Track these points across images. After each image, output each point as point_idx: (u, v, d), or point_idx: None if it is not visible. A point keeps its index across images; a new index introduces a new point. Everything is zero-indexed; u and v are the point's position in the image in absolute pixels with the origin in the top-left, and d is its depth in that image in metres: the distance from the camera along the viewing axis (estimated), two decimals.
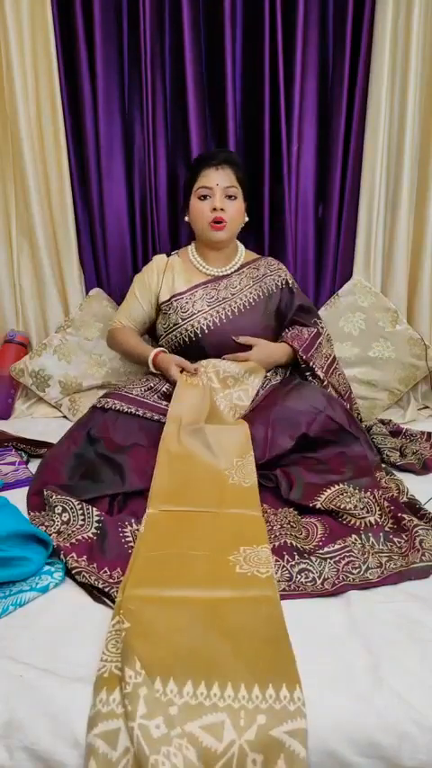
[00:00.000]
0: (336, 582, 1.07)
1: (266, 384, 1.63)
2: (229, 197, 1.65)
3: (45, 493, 1.30)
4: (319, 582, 1.07)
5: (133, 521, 1.23)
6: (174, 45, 1.86)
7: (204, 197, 1.64)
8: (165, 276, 1.72)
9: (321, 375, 1.65)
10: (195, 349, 1.65)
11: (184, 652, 0.87)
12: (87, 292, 2.05)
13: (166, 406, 1.49)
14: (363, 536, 1.20)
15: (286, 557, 1.13)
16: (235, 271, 1.74)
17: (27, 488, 1.40)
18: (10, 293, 2.07)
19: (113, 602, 1.00)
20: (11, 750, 0.77)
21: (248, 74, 1.89)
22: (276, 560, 1.12)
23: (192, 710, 0.78)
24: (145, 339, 1.88)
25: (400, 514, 1.25)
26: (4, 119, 1.89)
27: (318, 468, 1.40)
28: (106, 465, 1.38)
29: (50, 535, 1.17)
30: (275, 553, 1.14)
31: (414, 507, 1.31)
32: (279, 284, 1.76)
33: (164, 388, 1.59)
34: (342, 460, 1.43)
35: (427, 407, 2.10)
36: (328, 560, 1.13)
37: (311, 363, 1.65)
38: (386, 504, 1.30)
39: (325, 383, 1.65)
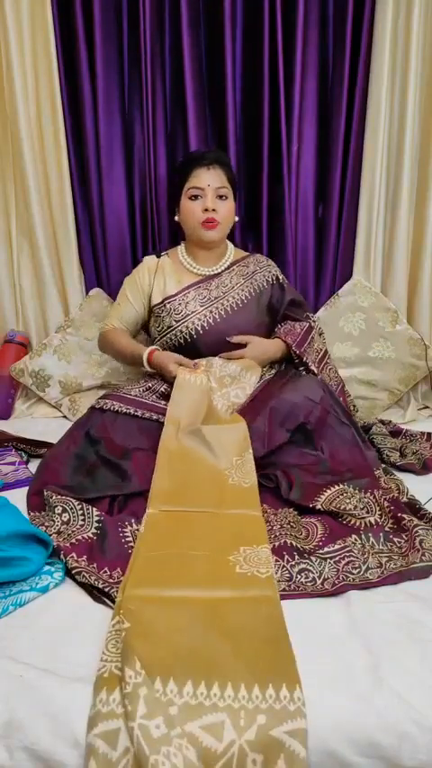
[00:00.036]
0: (336, 582, 1.07)
1: (262, 378, 1.64)
2: (221, 197, 1.65)
3: (45, 493, 1.30)
4: (319, 582, 1.07)
5: (133, 521, 1.23)
6: (173, 45, 1.86)
7: (195, 197, 1.64)
8: (156, 277, 1.72)
9: (315, 370, 1.65)
10: (191, 350, 1.65)
11: (184, 652, 0.87)
12: (87, 292, 2.05)
13: (165, 405, 1.49)
14: (363, 536, 1.20)
15: (286, 557, 1.13)
16: (225, 269, 1.74)
17: (27, 488, 1.40)
18: (10, 293, 2.07)
19: (113, 602, 1.00)
20: (11, 750, 0.77)
21: (248, 74, 1.89)
22: (276, 560, 1.12)
23: (192, 710, 0.78)
24: (141, 339, 1.88)
25: (400, 514, 1.25)
26: (4, 119, 1.89)
27: (317, 469, 1.40)
28: (107, 467, 1.39)
29: (50, 535, 1.17)
30: (275, 553, 1.14)
31: (414, 507, 1.31)
32: (269, 280, 1.76)
33: (162, 389, 1.59)
34: (341, 460, 1.43)
35: (427, 407, 2.09)
36: (328, 560, 1.13)
37: (305, 358, 1.65)
38: (386, 504, 1.30)
39: (318, 378, 1.65)
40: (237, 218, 1.75)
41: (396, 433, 1.79)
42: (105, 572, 1.09)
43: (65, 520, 1.22)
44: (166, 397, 1.54)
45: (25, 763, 0.77)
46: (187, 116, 1.86)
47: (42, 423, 1.95)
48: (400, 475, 1.48)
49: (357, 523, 1.24)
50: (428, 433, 1.76)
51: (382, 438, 1.69)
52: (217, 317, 1.67)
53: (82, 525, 1.20)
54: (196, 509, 1.26)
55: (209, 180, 1.63)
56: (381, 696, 0.82)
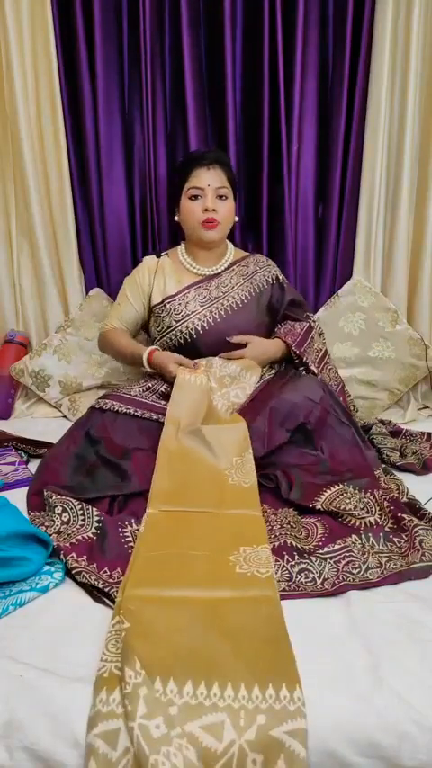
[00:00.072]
0: (336, 582, 1.07)
1: (262, 378, 1.64)
2: (221, 197, 1.65)
3: (45, 493, 1.30)
4: (319, 582, 1.07)
5: (133, 521, 1.23)
6: (173, 45, 1.86)
7: (195, 197, 1.64)
8: (156, 278, 1.72)
9: (315, 370, 1.65)
10: (191, 350, 1.65)
11: (184, 652, 0.87)
12: (87, 292, 2.05)
13: (165, 405, 1.49)
14: (363, 536, 1.20)
15: (286, 557, 1.13)
16: (225, 269, 1.74)
17: (27, 488, 1.40)
18: (10, 293, 2.07)
19: (113, 602, 1.00)
20: (11, 750, 0.77)
21: (248, 74, 1.89)
22: (276, 560, 1.12)
23: (192, 710, 0.78)
24: (141, 339, 1.88)
25: (400, 514, 1.25)
26: (4, 119, 1.89)
27: (317, 469, 1.40)
28: (107, 467, 1.39)
29: (50, 535, 1.17)
30: (275, 553, 1.14)
31: (414, 507, 1.31)
32: (269, 280, 1.76)
33: (162, 389, 1.59)
34: (340, 460, 1.43)
35: (427, 407, 2.09)
36: (328, 560, 1.13)
37: (305, 358, 1.65)
38: (386, 504, 1.30)
39: (318, 378, 1.65)
40: (237, 218, 1.75)
41: (396, 433, 1.79)
42: (105, 572, 1.09)
43: (65, 520, 1.22)
44: (165, 397, 1.54)
45: (25, 763, 0.77)
46: (187, 116, 1.86)
47: (42, 423, 1.95)
48: (400, 475, 1.48)
49: (357, 523, 1.24)
50: (428, 433, 1.76)
51: (382, 438, 1.69)
52: (217, 317, 1.67)
53: (82, 525, 1.20)
54: (196, 509, 1.26)
55: (209, 180, 1.63)
56: (381, 696, 0.82)
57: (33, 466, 1.51)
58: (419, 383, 2.06)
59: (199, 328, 1.65)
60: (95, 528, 1.19)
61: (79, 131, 1.91)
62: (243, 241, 2.01)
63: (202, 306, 1.67)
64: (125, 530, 1.20)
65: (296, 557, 1.13)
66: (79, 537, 1.17)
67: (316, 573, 1.10)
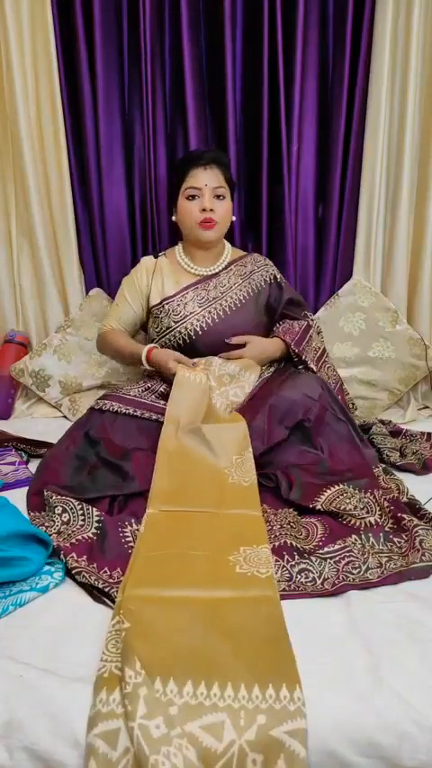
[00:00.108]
0: (336, 582, 1.07)
1: (261, 377, 1.64)
2: (218, 197, 1.65)
3: (45, 493, 1.30)
4: (319, 582, 1.07)
5: (133, 521, 1.23)
6: (173, 45, 1.86)
7: (193, 197, 1.64)
8: (154, 278, 1.72)
9: (314, 368, 1.66)
10: (190, 350, 1.65)
11: (184, 652, 0.87)
12: (87, 292, 2.06)
13: (164, 405, 1.49)
14: (363, 536, 1.20)
15: (286, 557, 1.13)
16: (223, 269, 1.74)
17: (27, 488, 1.40)
18: (10, 293, 2.07)
19: (113, 602, 1.00)
20: (11, 750, 0.77)
21: (248, 74, 1.89)
22: (276, 560, 1.12)
23: (192, 710, 0.78)
24: (141, 339, 1.88)
25: (400, 514, 1.25)
26: (4, 119, 1.89)
27: (317, 469, 1.40)
28: (108, 468, 1.39)
29: (50, 535, 1.17)
30: (275, 553, 1.14)
31: (414, 507, 1.31)
32: (267, 279, 1.76)
33: (161, 389, 1.59)
34: (339, 458, 1.43)
35: (427, 407, 2.10)
36: (328, 560, 1.13)
37: (304, 356, 1.65)
38: (386, 504, 1.30)
39: (317, 376, 1.65)
40: (234, 218, 1.75)
41: (396, 433, 1.79)
42: (105, 572, 1.09)
43: (65, 520, 1.22)
44: (165, 396, 1.54)
45: (25, 763, 0.77)
46: (187, 116, 1.86)
47: (42, 423, 1.95)
48: (400, 475, 1.48)
49: (357, 523, 1.24)
50: (428, 433, 1.76)
51: (382, 438, 1.69)
52: (216, 317, 1.67)
53: (82, 525, 1.20)
54: (196, 509, 1.26)
55: (206, 180, 1.63)
56: (381, 696, 0.82)
57: (33, 466, 1.51)
58: (419, 383, 2.06)
59: (198, 329, 1.65)
60: (95, 528, 1.19)
61: (79, 131, 1.91)
62: (243, 241, 2.01)
63: (200, 306, 1.67)
64: (125, 530, 1.20)
65: (296, 557, 1.13)
66: (79, 537, 1.17)
67: (316, 573, 1.10)
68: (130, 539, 1.18)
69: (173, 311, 1.67)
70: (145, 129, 1.89)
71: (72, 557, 1.11)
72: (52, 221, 1.98)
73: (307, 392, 1.49)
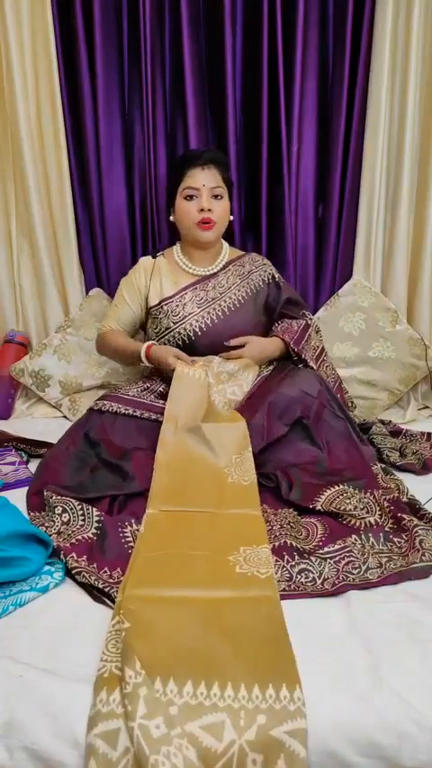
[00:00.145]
0: (336, 582, 1.07)
1: (260, 375, 1.64)
2: (216, 197, 1.65)
3: (45, 494, 1.30)
4: (319, 582, 1.07)
5: (133, 521, 1.23)
6: (174, 45, 1.86)
7: (191, 197, 1.64)
8: (152, 278, 1.72)
9: (313, 366, 1.66)
10: (189, 351, 1.64)
11: (184, 652, 0.87)
12: (87, 292, 2.06)
13: (163, 404, 1.49)
14: (363, 536, 1.20)
15: (286, 557, 1.13)
16: (221, 269, 1.74)
17: (27, 488, 1.40)
18: (10, 293, 2.07)
19: (113, 602, 1.00)
20: (11, 750, 0.77)
21: (248, 74, 1.89)
22: (276, 560, 1.12)
23: (192, 710, 0.78)
24: (140, 339, 1.87)
25: (399, 514, 1.25)
26: (4, 119, 1.89)
27: (316, 469, 1.40)
28: (108, 468, 1.39)
29: (51, 535, 1.17)
30: (275, 553, 1.14)
31: (414, 507, 1.31)
32: (265, 279, 1.76)
33: (160, 388, 1.59)
34: (336, 455, 1.44)
35: (427, 407, 2.10)
36: (328, 560, 1.13)
37: (303, 355, 1.65)
38: (386, 504, 1.30)
39: (316, 372, 1.65)
40: (232, 218, 1.74)
41: (396, 433, 1.79)
42: (105, 572, 1.09)
43: (65, 520, 1.22)
44: (164, 396, 1.54)
45: (25, 763, 0.77)
46: (187, 116, 1.86)
47: (42, 423, 1.95)
48: (400, 475, 1.48)
49: (357, 524, 1.24)
50: (428, 433, 1.76)
51: (382, 438, 1.69)
52: (215, 318, 1.67)
53: (82, 525, 1.20)
54: (196, 509, 1.26)
55: (204, 180, 1.63)
56: (381, 696, 0.82)
57: (33, 466, 1.51)
58: (419, 383, 2.06)
59: (197, 330, 1.65)
60: (95, 528, 1.19)
61: (79, 131, 1.91)
62: (243, 241, 2.01)
63: (199, 307, 1.67)
64: (125, 530, 1.20)
65: (296, 557, 1.13)
66: (79, 537, 1.17)
67: (316, 573, 1.10)
68: (130, 539, 1.18)
69: (172, 312, 1.67)
70: (145, 129, 1.89)
71: (72, 557, 1.11)
72: (52, 221, 1.98)
73: (305, 389, 1.49)
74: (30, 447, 1.64)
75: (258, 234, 1.98)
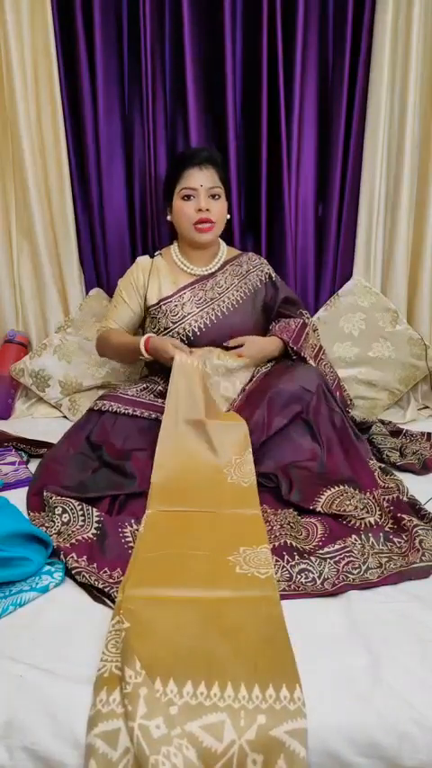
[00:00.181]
0: (336, 582, 1.07)
1: (259, 372, 1.63)
2: (213, 196, 1.65)
3: (45, 494, 1.30)
4: (318, 582, 1.07)
5: (133, 521, 1.23)
6: (174, 45, 1.86)
7: (188, 197, 1.64)
8: (151, 278, 1.71)
9: (313, 364, 1.66)
10: None
11: (184, 652, 0.87)
12: (87, 292, 2.06)
13: (162, 403, 1.49)
14: (363, 536, 1.20)
15: (286, 557, 1.13)
16: (219, 269, 1.74)
17: (27, 488, 1.40)
18: (10, 293, 2.07)
19: (113, 602, 1.00)
20: (11, 750, 0.77)
21: (248, 74, 1.89)
22: (276, 560, 1.12)
23: (192, 710, 0.78)
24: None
25: (399, 514, 1.25)
26: (4, 119, 1.90)
27: (315, 468, 1.41)
28: (108, 468, 1.39)
29: (51, 536, 1.17)
30: (275, 553, 1.14)
31: (414, 507, 1.31)
32: (262, 279, 1.76)
33: (159, 388, 1.59)
34: (331, 448, 1.44)
35: (427, 407, 2.10)
36: (328, 560, 1.13)
37: (302, 353, 1.65)
38: (386, 504, 1.30)
39: (315, 368, 1.65)
40: (228, 216, 1.73)
41: (396, 433, 1.79)
42: (105, 572, 1.09)
43: (65, 520, 1.22)
44: (163, 395, 1.53)
45: (25, 763, 0.77)
46: (187, 116, 1.86)
47: (43, 423, 1.95)
48: (400, 475, 1.48)
49: (357, 524, 1.24)
50: (428, 433, 1.76)
51: (382, 438, 1.69)
52: (213, 318, 1.67)
53: (82, 526, 1.20)
54: (195, 509, 1.26)
55: (201, 180, 1.62)
56: (381, 696, 0.82)
57: (33, 466, 1.51)
58: (419, 383, 2.06)
59: (196, 330, 1.65)
60: (95, 528, 1.19)
61: (79, 131, 1.91)
62: (243, 241, 2.01)
63: (198, 307, 1.67)
64: (125, 530, 1.20)
65: (296, 557, 1.13)
66: (79, 537, 1.17)
67: (316, 573, 1.10)
68: (130, 539, 1.18)
69: (170, 312, 1.67)
70: (145, 129, 1.89)
71: (72, 557, 1.11)
72: (52, 221, 1.98)
73: (304, 384, 1.49)
74: (30, 447, 1.64)
75: (258, 234, 1.98)
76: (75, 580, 1.08)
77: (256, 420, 1.44)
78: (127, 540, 1.18)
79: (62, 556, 1.11)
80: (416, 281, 2.03)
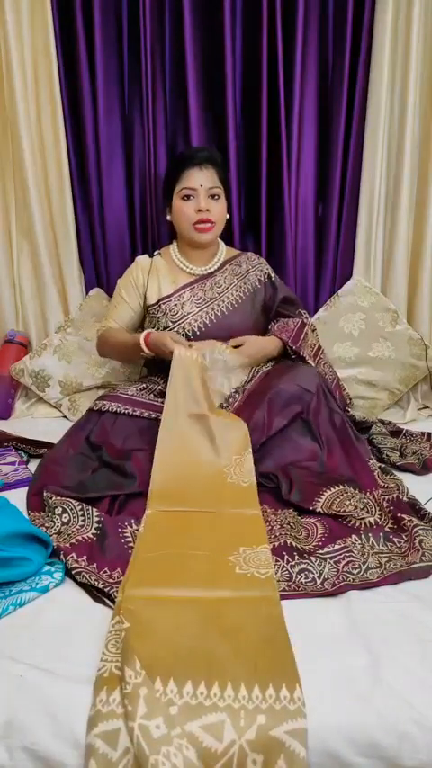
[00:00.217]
0: (336, 582, 1.07)
1: (259, 372, 1.63)
2: (213, 196, 1.65)
3: (45, 494, 1.30)
4: (318, 582, 1.07)
5: (133, 521, 1.23)
6: (174, 45, 1.86)
7: (188, 197, 1.64)
8: (150, 278, 1.71)
9: (312, 363, 1.66)
10: None
11: (184, 652, 0.87)
12: (87, 292, 2.06)
13: (162, 403, 1.49)
14: (363, 536, 1.20)
15: (286, 557, 1.13)
16: (218, 268, 1.74)
17: (27, 488, 1.40)
18: (10, 293, 2.07)
19: (113, 602, 1.00)
20: (11, 750, 0.77)
21: (248, 73, 1.89)
22: (276, 560, 1.12)
23: (192, 710, 0.78)
24: None
25: (399, 514, 1.25)
26: (4, 119, 1.90)
27: (315, 468, 1.41)
28: (109, 468, 1.39)
29: (51, 536, 1.17)
30: (275, 553, 1.14)
31: (414, 507, 1.31)
32: (261, 279, 1.77)
33: (159, 388, 1.59)
34: (331, 449, 1.44)
35: (427, 407, 2.10)
36: (328, 560, 1.13)
37: (302, 353, 1.65)
38: (386, 504, 1.30)
39: (314, 368, 1.65)
40: (228, 216, 1.73)
41: (396, 433, 1.79)
42: (105, 572, 1.09)
43: (65, 521, 1.22)
44: (162, 395, 1.53)
45: (25, 763, 0.77)
46: (187, 116, 1.86)
47: (43, 423, 1.95)
48: (400, 475, 1.48)
49: (357, 524, 1.24)
50: (428, 433, 1.76)
51: (382, 438, 1.69)
52: (213, 318, 1.67)
53: (82, 526, 1.20)
54: (195, 509, 1.26)
55: (201, 180, 1.62)
56: (381, 696, 0.82)
57: (33, 466, 1.51)
58: (419, 383, 2.06)
59: (196, 329, 1.65)
60: (95, 528, 1.19)
61: (79, 131, 1.91)
62: (243, 241, 2.01)
63: (197, 307, 1.67)
64: (125, 530, 1.20)
65: (296, 557, 1.13)
66: (79, 537, 1.17)
67: (316, 573, 1.10)
68: (130, 539, 1.18)
69: (170, 311, 1.67)
70: (145, 129, 1.89)
71: (72, 557, 1.11)
72: (52, 221, 1.98)
73: (304, 385, 1.49)
74: (30, 447, 1.64)
75: (258, 234, 1.98)
76: (75, 580, 1.08)
77: (257, 420, 1.44)
78: (127, 540, 1.18)
79: (62, 556, 1.11)
80: (416, 281, 2.03)
